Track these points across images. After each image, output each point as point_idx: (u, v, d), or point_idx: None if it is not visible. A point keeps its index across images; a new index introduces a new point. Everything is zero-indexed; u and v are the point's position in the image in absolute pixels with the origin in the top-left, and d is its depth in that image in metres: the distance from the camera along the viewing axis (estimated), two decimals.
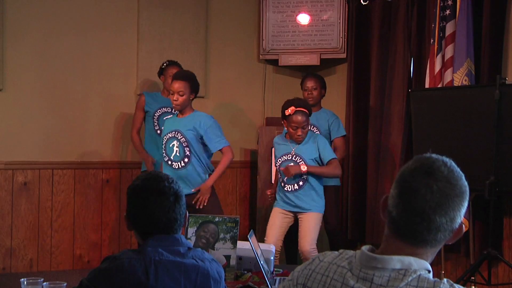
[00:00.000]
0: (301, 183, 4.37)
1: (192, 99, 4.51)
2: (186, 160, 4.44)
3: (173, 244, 2.02)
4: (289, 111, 4.29)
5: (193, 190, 4.42)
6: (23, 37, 5.17)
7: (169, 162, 4.46)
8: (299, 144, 4.37)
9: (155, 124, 5.08)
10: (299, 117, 4.28)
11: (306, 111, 4.33)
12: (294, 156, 4.38)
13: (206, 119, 4.49)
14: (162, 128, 4.70)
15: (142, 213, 2.04)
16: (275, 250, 4.29)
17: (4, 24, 5.08)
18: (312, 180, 4.38)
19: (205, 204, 4.42)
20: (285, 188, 4.39)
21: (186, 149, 4.43)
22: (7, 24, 5.10)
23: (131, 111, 5.38)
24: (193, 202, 4.36)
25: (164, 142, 4.49)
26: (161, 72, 5.14)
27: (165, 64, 5.12)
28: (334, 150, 4.82)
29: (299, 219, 4.41)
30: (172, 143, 4.45)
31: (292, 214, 4.42)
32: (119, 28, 5.52)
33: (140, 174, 2.26)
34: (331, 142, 4.98)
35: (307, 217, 4.36)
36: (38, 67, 5.24)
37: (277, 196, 4.51)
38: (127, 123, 5.42)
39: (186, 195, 2.33)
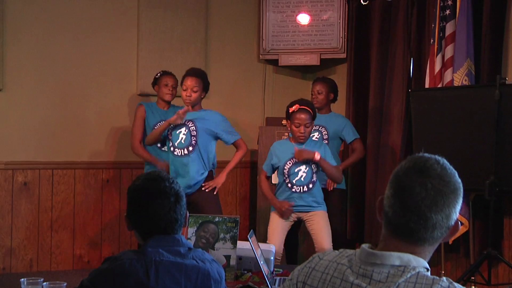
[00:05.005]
0: (310, 185, 4.33)
1: (202, 98, 4.57)
2: (190, 148, 4.48)
3: (174, 245, 2.02)
4: (293, 108, 4.29)
5: (203, 185, 4.52)
6: (23, 37, 5.17)
7: (172, 149, 4.51)
8: (301, 143, 4.34)
9: None
10: (302, 115, 4.27)
11: (310, 110, 4.32)
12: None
13: (217, 114, 4.62)
14: (165, 140, 4.67)
15: (143, 213, 2.04)
16: (278, 254, 4.28)
17: (4, 24, 5.08)
18: (318, 183, 4.37)
19: (209, 190, 4.52)
20: (293, 190, 4.35)
21: (193, 138, 4.49)
22: (7, 24, 5.10)
23: (131, 111, 5.37)
24: (202, 185, 4.51)
25: (171, 129, 4.51)
26: (155, 82, 5.07)
27: (158, 74, 5.06)
28: (353, 152, 5.12)
29: (307, 219, 4.35)
30: (180, 130, 4.49)
31: (293, 215, 4.39)
32: (119, 28, 5.52)
33: (141, 174, 2.26)
34: (348, 144, 5.14)
35: (318, 217, 4.32)
36: (38, 67, 5.24)
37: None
38: (127, 123, 5.42)
39: (186, 194, 2.33)
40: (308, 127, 4.30)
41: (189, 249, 2.05)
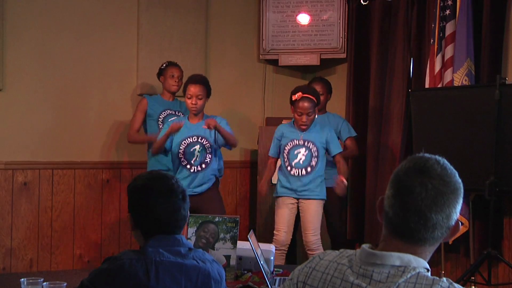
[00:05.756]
0: (309, 169, 4.35)
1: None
2: (203, 166, 4.48)
3: (174, 245, 2.02)
4: (296, 96, 4.30)
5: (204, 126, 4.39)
6: (23, 37, 5.17)
7: (187, 166, 4.48)
8: (303, 131, 4.37)
9: (160, 127, 4.92)
10: (305, 103, 4.28)
11: (314, 98, 4.33)
12: (304, 141, 4.36)
13: (219, 120, 4.55)
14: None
15: (149, 213, 2.03)
16: (285, 245, 4.30)
17: (4, 24, 5.08)
18: (320, 167, 4.37)
19: (212, 126, 4.34)
20: (292, 172, 4.36)
21: (208, 155, 4.48)
22: (7, 24, 5.09)
23: (131, 111, 5.37)
24: (204, 124, 4.35)
25: (184, 146, 4.48)
26: (161, 73, 5.11)
27: (164, 65, 5.10)
28: (345, 149, 4.95)
29: (301, 207, 4.37)
30: (194, 148, 4.47)
31: (296, 201, 4.40)
32: (119, 28, 5.52)
33: (141, 173, 2.24)
34: (342, 143, 5.03)
35: (310, 206, 4.33)
36: (38, 67, 5.24)
37: (278, 184, 4.47)
38: (127, 123, 5.42)
39: (191, 196, 2.33)
40: (311, 115, 4.31)
41: (190, 249, 2.05)
